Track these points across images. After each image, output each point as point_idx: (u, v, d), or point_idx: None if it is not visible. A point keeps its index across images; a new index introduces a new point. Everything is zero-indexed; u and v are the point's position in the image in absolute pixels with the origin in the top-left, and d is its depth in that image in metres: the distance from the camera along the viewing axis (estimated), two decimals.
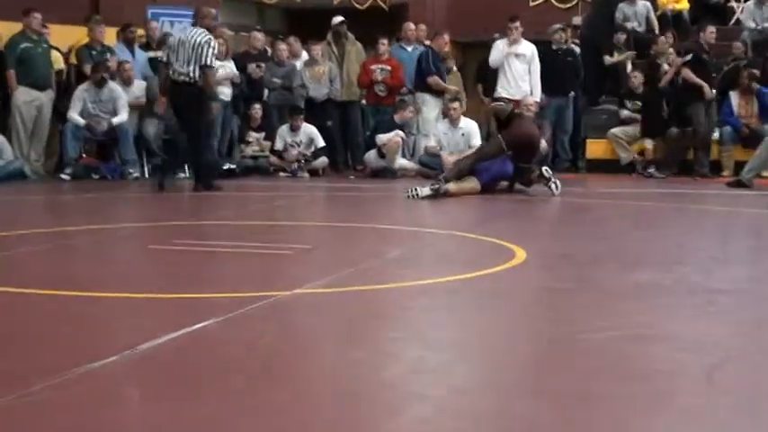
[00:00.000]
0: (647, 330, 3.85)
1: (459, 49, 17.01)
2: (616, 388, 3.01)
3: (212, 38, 10.30)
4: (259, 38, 14.06)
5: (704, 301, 4.50)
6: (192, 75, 10.05)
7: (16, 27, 12.32)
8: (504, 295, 4.78)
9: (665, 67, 13.36)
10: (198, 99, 10.24)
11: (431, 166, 12.37)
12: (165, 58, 10.55)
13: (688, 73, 12.99)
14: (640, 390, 2.97)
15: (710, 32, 13.84)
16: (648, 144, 13.24)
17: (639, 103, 13.52)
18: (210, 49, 10.11)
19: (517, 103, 11.63)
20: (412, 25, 14.54)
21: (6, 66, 12.07)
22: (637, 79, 13.60)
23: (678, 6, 15.27)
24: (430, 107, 13.27)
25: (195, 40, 10.06)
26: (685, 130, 13.08)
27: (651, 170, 13.04)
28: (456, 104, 12.60)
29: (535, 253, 5.85)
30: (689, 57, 13.11)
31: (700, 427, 2.69)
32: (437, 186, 9.32)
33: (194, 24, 10.55)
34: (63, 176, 12.01)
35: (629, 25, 14.79)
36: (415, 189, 9.35)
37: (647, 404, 2.85)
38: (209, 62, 10.12)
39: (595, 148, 13.79)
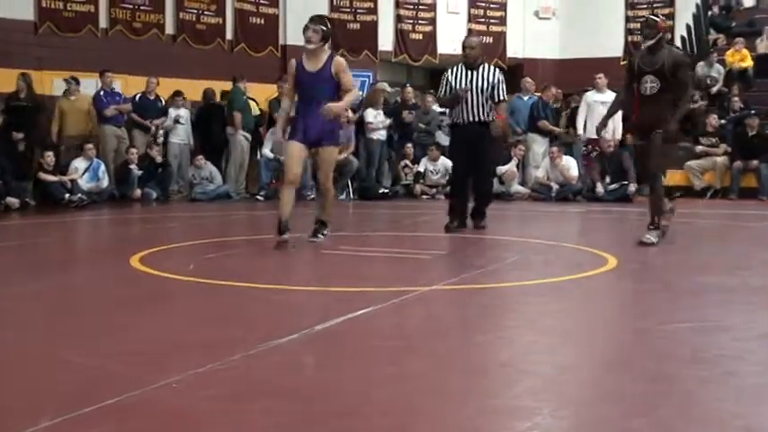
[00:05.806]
0: (714, 323, 3.75)
1: (563, 99, 16.76)
2: (687, 368, 2.94)
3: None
4: (410, 91, 14.14)
5: (763, 300, 4.34)
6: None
7: (228, 85, 12.89)
8: (599, 293, 4.72)
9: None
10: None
11: (540, 191, 12.39)
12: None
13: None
14: (707, 370, 2.91)
15: None
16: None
17: (714, 140, 13.22)
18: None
19: (595, 141, 11.63)
20: (530, 80, 14.42)
21: (231, 112, 12.55)
22: (714, 121, 13.29)
23: (743, 64, 14.80)
24: (539, 144, 13.23)
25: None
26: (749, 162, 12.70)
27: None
28: (555, 148, 12.57)
29: (623, 260, 5.72)
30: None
31: (758, 401, 2.59)
32: None
33: None
34: (258, 197, 12.32)
35: (708, 80, 14.46)
36: None
37: (711, 382, 2.79)
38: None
39: (674, 177, 13.49)
